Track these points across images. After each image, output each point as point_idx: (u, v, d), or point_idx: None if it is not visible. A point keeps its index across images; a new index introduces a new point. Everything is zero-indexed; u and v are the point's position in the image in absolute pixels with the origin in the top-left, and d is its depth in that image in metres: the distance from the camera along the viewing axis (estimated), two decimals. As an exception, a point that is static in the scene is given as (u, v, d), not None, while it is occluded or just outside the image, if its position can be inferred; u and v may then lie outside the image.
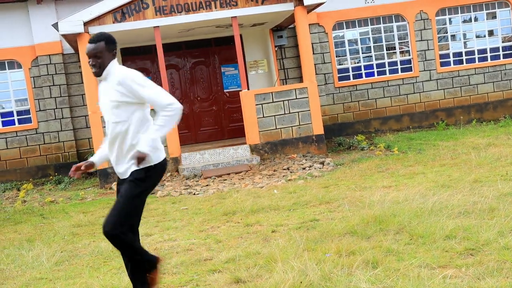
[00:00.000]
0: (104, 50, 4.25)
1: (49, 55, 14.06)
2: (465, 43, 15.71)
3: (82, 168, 4.43)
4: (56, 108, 14.16)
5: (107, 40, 4.28)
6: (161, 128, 4.20)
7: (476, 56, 15.70)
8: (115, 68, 4.32)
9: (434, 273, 4.53)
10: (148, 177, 4.29)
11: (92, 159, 4.56)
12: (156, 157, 4.28)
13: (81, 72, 13.61)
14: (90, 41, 4.27)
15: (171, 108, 4.21)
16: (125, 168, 4.34)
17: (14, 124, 14.23)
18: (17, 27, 14.03)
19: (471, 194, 7.02)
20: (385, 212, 6.45)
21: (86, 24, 11.67)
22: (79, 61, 13.43)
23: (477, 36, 15.74)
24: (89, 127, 13.66)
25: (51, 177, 13.95)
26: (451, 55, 15.66)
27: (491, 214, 6.01)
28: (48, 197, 11.22)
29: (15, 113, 14.23)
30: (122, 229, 4.24)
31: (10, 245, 7.39)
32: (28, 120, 14.28)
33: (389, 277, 4.53)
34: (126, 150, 4.30)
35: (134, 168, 4.24)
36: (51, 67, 14.10)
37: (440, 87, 15.53)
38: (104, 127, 11.77)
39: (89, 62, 4.30)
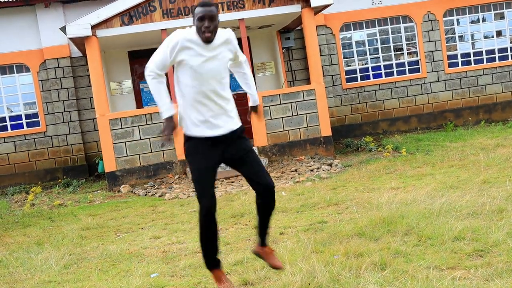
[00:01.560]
0: (218, 16, 4.27)
1: (57, 58, 14.12)
2: (473, 43, 15.66)
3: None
4: (64, 111, 14.22)
5: (217, 7, 4.39)
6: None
7: (484, 56, 15.64)
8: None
9: (442, 275, 4.50)
10: None
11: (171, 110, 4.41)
12: None
13: (89, 75, 13.66)
14: (207, 4, 4.21)
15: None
16: (229, 122, 4.41)
17: (23, 128, 14.30)
18: (25, 31, 14.10)
19: (479, 195, 6.99)
20: (393, 214, 6.42)
21: (93, 27, 11.71)
22: (87, 64, 13.48)
23: (485, 37, 15.69)
24: (97, 130, 13.71)
25: (59, 180, 14.00)
26: (459, 56, 15.61)
27: (500, 215, 5.98)
28: (57, 200, 11.26)
29: (23, 117, 14.30)
30: None
31: (19, 248, 7.42)
32: (37, 124, 14.34)
33: (398, 279, 4.51)
34: (225, 104, 4.40)
35: (239, 123, 4.47)
36: (59, 71, 14.16)
37: (448, 88, 15.48)
38: (113, 129, 11.75)
39: (202, 25, 4.18)
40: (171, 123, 4.29)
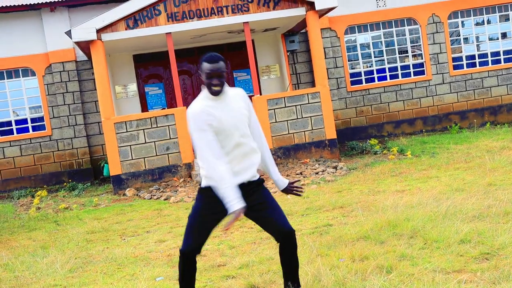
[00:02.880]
0: (225, 69, 4.15)
1: (63, 62, 14.17)
2: (478, 45, 15.63)
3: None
4: (70, 115, 14.25)
5: (224, 61, 4.20)
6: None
7: (489, 58, 15.61)
8: (227, 87, 4.24)
9: (448, 278, 4.49)
10: None
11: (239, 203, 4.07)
12: None
13: (94, 79, 13.70)
14: (214, 61, 4.07)
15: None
16: (253, 174, 4.25)
17: (28, 131, 14.34)
18: (31, 35, 14.15)
19: (485, 198, 6.97)
20: (399, 217, 6.41)
21: (98, 31, 11.75)
22: (92, 68, 13.52)
23: (490, 39, 15.66)
24: (102, 134, 13.75)
25: (65, 183, 14.03)
26: (464, 58, 15.58)
27: (506, 218, 5.96)
28: (62, 204, 11.28)
29: (29, 120, 14.34)
30: None
31: (25, 252, 7.43)
32: (42, 127, 14.38)
33: (403, 282, 4.50)
34: (253, 158, 4.27)
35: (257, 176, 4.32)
36: (65, 74, 14.20)
37: (453, 90, 15.45)
38: (118, 133, 11.79)
39: (210, 82, 4.06)
40: (239, 213, 4.00)
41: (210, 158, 4.02)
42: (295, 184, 4.52)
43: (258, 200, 4.26)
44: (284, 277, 4.39)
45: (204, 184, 4.21)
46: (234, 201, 3.95)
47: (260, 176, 4.34)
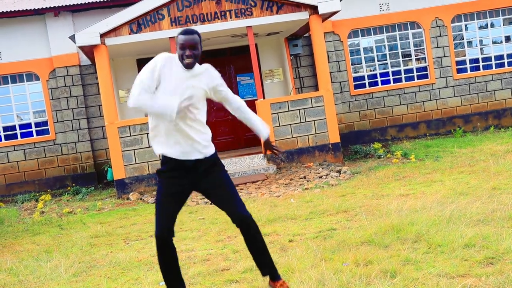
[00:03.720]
0: (199, 43, 4.30)
1: (66, 66, 14.21)
2: (481, 49, 15.62)
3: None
4: (74, 119, 14.29)
5: (199, 35, 4.34)
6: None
7: (493, 62, 15.60)
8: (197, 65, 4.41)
9: (453, 283, 4.48)
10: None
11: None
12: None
13: (97, 83, 13.73)
14: (189, 32, 4.27)
15: None
16: (201, 153, 4.35)
17: (32, 136, 14.37)
18: (35, 40, 14.20)
19: (490, 202, 6.95)
20: (403, 221, 6.39)
21: (102, 35, 11.78)
22: (96, 72, 13.56)
23: (494, 42, 15.64)
24: (106, 138, 13.76)
25: (68, 187, 14.05)
26: (467, 62, 15.57)
27: (511, 222, 5.94)
28: (66, 208, 11.30)
29: (33, 125, 14.38)
30: None
31: (29, 256, 7.44)
32: (46, 132, 14.41)
33: (408, 286, 4.49)
34: (198, 136, 4.35)
35: (212, 152, 4.40)
36: (68, 79, 14.24)
37: (457, 94, 15.44)
38: (122, 137, 11.78)
39: (184, 52, 4.25)
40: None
41: (138, 88, 4.29)
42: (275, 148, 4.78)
43: (213, 183, 4.40)
44: (255, 262, 4.54)
45: (157, 152, 4.40)
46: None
47: (212, 154, 4.41)
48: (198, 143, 4.34)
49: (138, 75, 4.38)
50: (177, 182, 4.36)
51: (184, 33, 4.28)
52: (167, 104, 4.18)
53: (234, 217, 4.39)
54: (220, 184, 4.41)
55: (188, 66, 4.30)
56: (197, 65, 4.38)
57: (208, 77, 4.44)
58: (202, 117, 4.41)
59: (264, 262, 4.50)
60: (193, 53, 4.26)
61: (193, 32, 4.28)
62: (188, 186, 4.43)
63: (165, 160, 4.37)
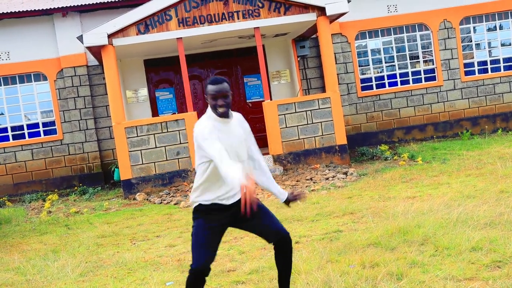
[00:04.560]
0: (229, 90, 4.19)
1: (74, 67, 14.25)
2: (490, 51, 15.56)
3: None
4: (81, 119, 14.33)
5: (229, 83, 4.23)
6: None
7: (502, 64, 15.54)
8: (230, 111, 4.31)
9: (460, 286, 4.46)
10: None
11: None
12: None
13: (105, 84, 13.76)
14: (219, 82, 4.14)
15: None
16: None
17: (40, 136, 14.42)
18: (43, 40, 14.25)
19: (497, 205, 6.93)
20: (409, 223, 6.38)
21: (110, 36, 11.81)
22: (103, 73, 13.60)
23: (502, 45, 15.59)
24: (113, 138, 13.79)
25: (75, 187, 14.09)
26: (475, 64, 15.51)
27: (518, 225, 5.92)
28: (73, 208, 11.33)
29: (40, 125, 14.43)
30: None
31: (36, 255, 7.47)
32: (53, 132, 14.46)
33: (414, 289, 4.48)
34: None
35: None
36: (76, 79, 14.28)
37: (464, 96, 15.39)
38: (129, 137, 11.81)
39: (216, 103, 4.12)
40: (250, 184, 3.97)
41: (225, 160, 3.94)
42: (295, 193, 4.53)
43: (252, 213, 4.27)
44: (280, 282, 4.44)
45: (194, 201, 4.33)
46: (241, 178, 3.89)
47: None
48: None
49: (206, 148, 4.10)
50: (217, 215, 4.29)
51: (213, 82, 4.14)
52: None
53: (277, 236, 4.32)
54: (259, 212, 4.30)
55: (223, 115, 4.16)
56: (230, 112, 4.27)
57: (242, 124, 4.36)
58: None
59: (288, 282, 4.44)
60: (225, 101, 4.14)
61: (222, 80, 4.16)
62: (227, 219, 4.35)
63: (210, 206, 4.31)
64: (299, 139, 12.43)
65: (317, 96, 12.70)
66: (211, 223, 4.26)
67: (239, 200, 4.23)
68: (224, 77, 4.24)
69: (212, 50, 14.68)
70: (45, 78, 14.38)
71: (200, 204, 4.30)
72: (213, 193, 4.24)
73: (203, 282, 4.28)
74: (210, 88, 4.12)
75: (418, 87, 15.28)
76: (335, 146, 12.48)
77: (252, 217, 4.21)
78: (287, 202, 4.55)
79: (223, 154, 3.96)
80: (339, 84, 14.51)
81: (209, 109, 4.22)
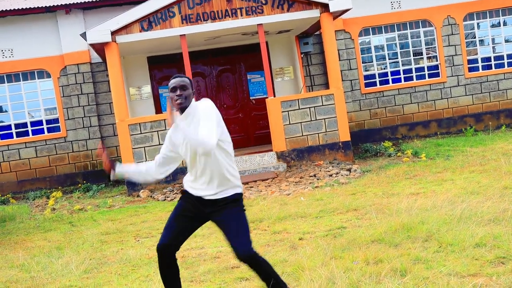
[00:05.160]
0: (189, 85, 4.31)
1: (77, 64, 14.26)
2: (493, 47, 15.52)
3: (104, 156, 4.48)
4: (84, 116, 14.34)
5: (190, 79, 4.37)
6: None
7: (505, 60, 15.49)
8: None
9: (464, 282, 4.46)
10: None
11: (118, 166, 4.60)
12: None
13: (108, 81, 13.77)
14: (179, 76, 4.33)
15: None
16: (216, 192, 4.33)
17: (44, 133, 14.44)
18: (46, 37, 14.26)
19: (501, 201, 6.91)
20: (413, 220, 6.38)
21: (113, 33, 11.82)
22: (107, 70, 13.60)
23: (506, 41, 15.54)
24: (117, 135, 13.81)
25: (79, 185, 14.12)
26: (479, 60, 15.48)
27: (522, 222, 5.91)
28: (77, 205, 11.35)
29: (44, 122, 14.45)
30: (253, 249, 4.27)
31: (40, 252, 7.49)
32: (57, 129, 14.48)
33: (418, 285, 4.48)
34: (215, 175, 4.31)
35: (229, 194, 4.36)
36: (79, 76, 14.29)
37: (468, 93, 15.35)
38: (133, 134, 11.81)
39: (175, 94, 4.25)
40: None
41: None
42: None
43: (218, 217, 4.37)
44: None
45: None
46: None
47: (234, 194, 4.39)
48: (224, 187, 4.40)
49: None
50: (193, 203, 4.38)
51: (174, 77, 4.34)
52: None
53: (236, 254, 4.26)
54: (230, 219, 4.35)
55: (180, 107, 4.27)
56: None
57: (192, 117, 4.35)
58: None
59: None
60: (184, 92, 4.26)
61: (183, 76, 4.35)
62: (202, 212, 4.40)
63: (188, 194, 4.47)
64: (302, 135, 12.43)
65: (320, 92, 12.69)
66: (184, 207, 4.41)
67: (217, 205, 4.34)
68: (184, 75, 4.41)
69: (215, 47, 14.67)
70: (48, 76, 14.40)
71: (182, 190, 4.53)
72: (187, 179, 4.46)
73: (168, 265, 4.42)
74: (171, 81, 4.34)
75: (422, 84, 15.25)
76: (338, 142, 12.48)
77: (220, 226, 4.39)
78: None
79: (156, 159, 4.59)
80: (342, 80, 14.49)
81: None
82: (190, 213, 4.39)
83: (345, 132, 12.49)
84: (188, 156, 4.32)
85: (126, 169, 4.65)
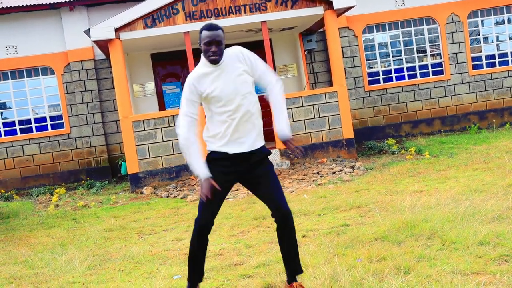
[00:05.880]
0: (223, 38, 4.23)
1: (81, 61, 14.28)
2: (498, 45, 15.48)
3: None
4: (88, 113, 14.36)
5: (223, 31, 4.26)
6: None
7: (510, 58, 15.47)
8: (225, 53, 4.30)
9: (467, 280, 4.45)
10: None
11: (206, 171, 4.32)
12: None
13: (112, 78, 13.79)
14: (213, 28, 4.17)
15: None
16: (254, 142, 4.32)
17: (47, 129, 14.47)
18: (50, 34, 14.28)
19: (505, 199, 6.90)
20: (417, 217, 6.37)
21: (117, 30, 11.82)
22: (110, 67, 13.62)
23: (510, 38, 15.50)
24: (120, 132, 13.83)
25: (83, 181, 14.14)
26: (483, 58, 15.44)
27: (526, 220, 5.89)
28: (80, 202, 11.37)
29: (48, 119, 14.47)
30: None
31: (44, 248, 7.50)
32: (61, 125, 14.50)
33: (421, 283, 4.47)
34: (255, 124, 4.32)
35: (263, 143, 4.37)
36: (83, 73, 14.31)
37: (472, 90, 15.32)
38: (136, 131, 11.80)
39: (209, 49, 4.17)
40: (207, 183, 4.19)
41: (181, 121, 4.23)
42: (294, 146, 4.45)
43: (258, 173, 4.37)
44: (284, 262, 4.51)
45: (208, 148, 4.39)
46: (200, 173, 4.20)
47: (266, 148, 4.44)
48: (259, 135, 4.39)
49: (181, 105, 4.28)
50: (226, 171, 4.33)
51: (208, 28, 4.17)
52: (201, 169, 4.25)
53: (277, 210, 4.34)
54: (266, 177, 4.38)
55: (214, 62, 4.21)
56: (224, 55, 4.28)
57: (239, 58, 4.33)
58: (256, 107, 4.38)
59: (294, 262, 4.50)
60: (219, 48, 4.19)
61: (217, 27, 4.20)
62: (236, 177, 4.42)
63: (221, 155, 4.35)
64: (306, 133, 12.42)
65: (324, 90, 12.68)
66: (216, 174, 4.28)
67: (248, 152, 4.31)
68: (219, 25, 4.26)
69: (219, 44, 14.63)
70: (52, 72, 14.41)
71: (209, 154, 4.39)
72: (215, 140, 4.33)
73: (205, 239, 4.43)
74: (204, 33, 4.17)
75: (426, 81, 15.22)
76: (342, 140, 12.47)
77: (257, 182, 4.37)
78: (284, 144, 4.50)
79: (185, 125, 4.23)
80: (346, 78, 14.48)
81: (202, 57, 4.30)
82: (225, 183, 4.33)
83: (348, 129, 12.48)
84: (233, 105, 4.21)
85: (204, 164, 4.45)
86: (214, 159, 4.35)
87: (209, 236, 4.52)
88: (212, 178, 4.23)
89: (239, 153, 4.30)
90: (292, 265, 4.51)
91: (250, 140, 4.32)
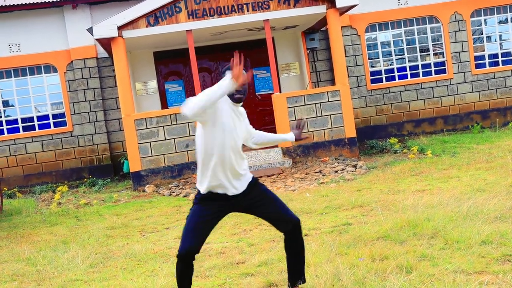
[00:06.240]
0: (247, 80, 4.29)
1: (84, 59, 14.28)
2: (501, 44, 15.45)
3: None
4: (91, 111, 14.37)
5: (246, 69, 4.32)
6: None
7: (513, 57, 15.44)
8: None
9: (470, 279, 4.45)
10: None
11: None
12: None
13: (114, 76, 13.79)
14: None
15: None
16: (243, 182, 4.34)
17: (50, 127, 14.48)
18: (53, 32, 14.28)
19: (507, 199, 6.89)
20: (419, 216, 6.37)
21: (119, 28, 11.82)
22: (113, 65, 13.62)
23: (513, 37, 15.47)
24: (123, 130, 13.84)
25: (85, 179, 14.15)
26: (486, 57, 15.41)
27: (529, 219, 5.89)
28: (83, 199, 11.38)
29: (50, 116, 14.48)
30: None
31: (46, 246, 7.52)
32: (63, 123, 14.51)
33: (424, 282, 4.47)
34: (239, 165, 4.32)
35: (250, 176, 4.43)
36: (86, 71, 14.31)
37: (475, 89, 15.30)
38: (138, 129, 11.81)
39: (238, 91, 4.21)
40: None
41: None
42: (298, 130, 4.87)
43: (257, 197, 4.38)
44: (289, 270, 4.48)
45: (197, 187, 4.39)
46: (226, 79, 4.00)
47: (252, 176, 4.45)
48: (243, 176, 4.36)
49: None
50: (216, 204, 4.31)
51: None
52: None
53: (288, 223, 4.36)
54: (261, 199, 4.38)
55: (238, 101, 4.27)
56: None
57: (245, 115, 4.55)
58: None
59: (302, 271, 4.48)
60: (244, 88, 4.24)
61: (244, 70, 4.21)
62: (227, 208, 4.38)
63: (209, 195, 4.31)
64: (308, 131, 12.41)
65: (326, 88, 12.67)
66: (206, 211, 4.28)
67: (242, 193, 4.31)
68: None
69: (221, 42, 14.65)
70: (55, 70, 14.42)
71: (199, 191, 4.35)
72: (208, 180, 4.25)
73: (188, 267, 4.30)
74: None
75: (428, 80, 15.20)
76: (344, 139, 12.46)
77: (260, 204, 4.36)
78: (297, 140, 4.85)
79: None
80: (348, 77, 14.46)
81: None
82: (213, 215, 4.30)
83: (351, 128, 12.47)
84: (228, 143, 4.19)
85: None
86: (204, 198, 4.33)
87: (211, 235, 4.51)
88: (202, 212, 4.27)
89: (231, 196, 4.33)
90: (296, 277, 4.49)
91: (237, 182, 4.33)
